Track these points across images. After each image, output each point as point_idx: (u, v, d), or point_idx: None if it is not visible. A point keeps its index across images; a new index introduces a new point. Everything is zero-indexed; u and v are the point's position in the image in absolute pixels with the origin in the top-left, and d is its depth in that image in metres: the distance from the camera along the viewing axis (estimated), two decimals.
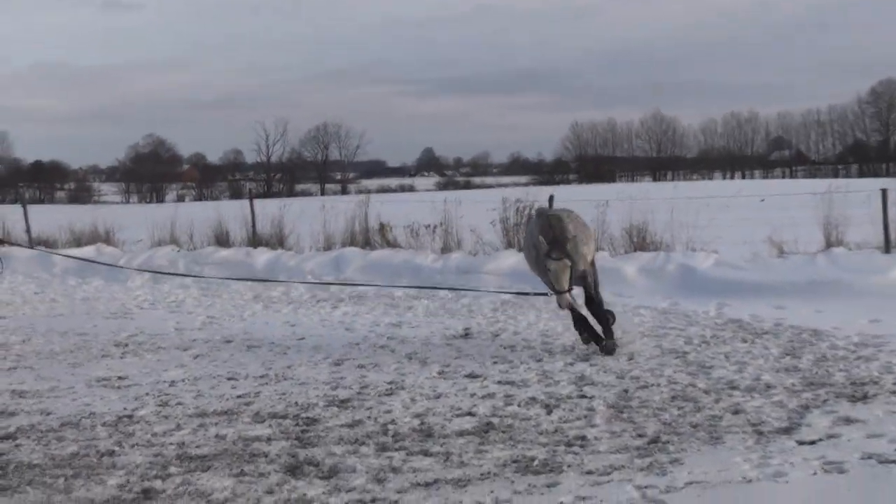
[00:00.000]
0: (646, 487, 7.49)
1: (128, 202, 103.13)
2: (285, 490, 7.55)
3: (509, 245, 22.26)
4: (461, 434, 9.11)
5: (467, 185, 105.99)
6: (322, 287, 20.01)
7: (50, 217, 31.52)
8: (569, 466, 8.05)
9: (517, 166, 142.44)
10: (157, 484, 7.71)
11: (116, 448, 8.78)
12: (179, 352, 13.69)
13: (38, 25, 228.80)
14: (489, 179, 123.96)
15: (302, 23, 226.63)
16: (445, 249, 22.50)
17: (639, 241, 21.43)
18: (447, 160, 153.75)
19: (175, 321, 16.56)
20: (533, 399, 10.40)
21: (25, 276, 23.68)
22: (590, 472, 7.88)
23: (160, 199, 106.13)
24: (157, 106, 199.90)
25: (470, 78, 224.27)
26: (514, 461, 8.22)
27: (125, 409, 10.30)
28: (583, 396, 10.52)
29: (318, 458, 8.36)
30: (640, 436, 8.94)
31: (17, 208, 30.23)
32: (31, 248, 24.02)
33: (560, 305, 12.54)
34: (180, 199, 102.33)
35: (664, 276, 18.60)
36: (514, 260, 20.18)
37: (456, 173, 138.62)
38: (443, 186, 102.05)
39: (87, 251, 25.70)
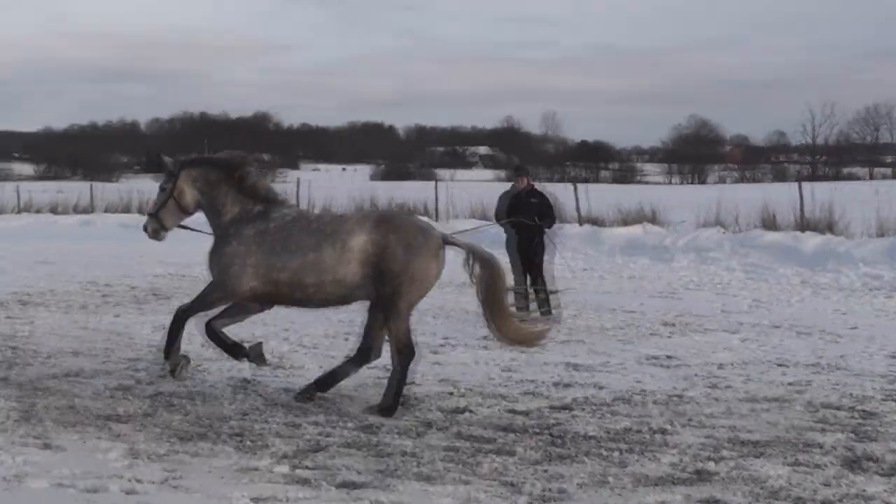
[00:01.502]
0: None
1: (669, 183, 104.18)
2: (843, 484, 7.25)
3: None
4: None
5: None
6: (876, 276, 19.18)
7: (598, 196, 32.53)
8: None
9: None
10: (710, 466, 7.67)
11: (668, 426, 8.84)
12: (727, 334, 13.61)
13: (591, 7, 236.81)
14: None
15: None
16: None
17: None
18: None
19: (721, 303, 16.51)
20: None
21: (575, 252, 24.54)
22: None
23: (702, 181, 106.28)
24: (702, 86, 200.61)
25: None
26: None
27: (675, 388, 10.37)
28: None
29: (878, 454, 7.97)
30: None
31: (567, 186, 31.42)
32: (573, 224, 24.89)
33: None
34: (721, 180, 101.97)
35: None
36: None
37: None
38: None
39: (634, 230, 26.24)
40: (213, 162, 10.16)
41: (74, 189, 51.50)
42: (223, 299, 9.76)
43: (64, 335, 13.28)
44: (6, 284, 18.58)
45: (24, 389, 10.04)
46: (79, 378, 10.63)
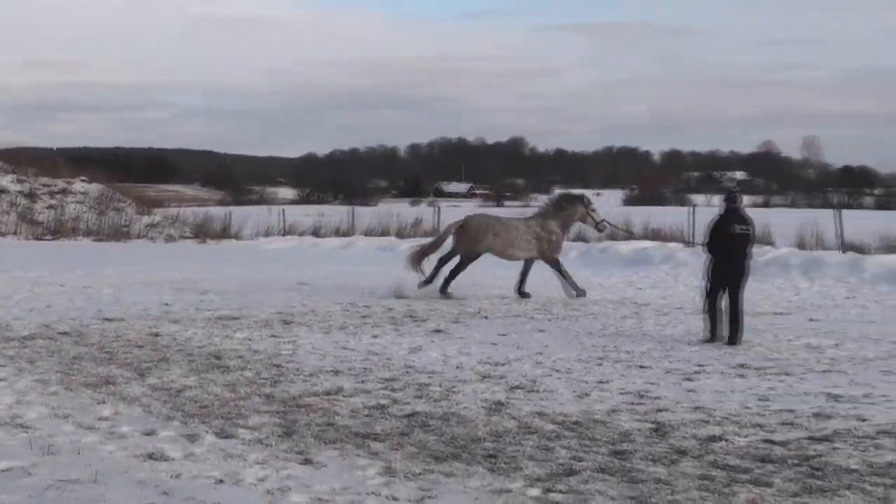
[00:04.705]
0: None
1: None
2: None
3: None
4: None
5: None
6: None
7: (861, 223, 31.42)
8: None
9: None
10: None
11: None
12: None
13: (854, 30, 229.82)
14: None
15: None
16: None
17: None
18: None
19: None
20: None
21: (835, 279, 23.80)
22: None
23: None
24: None
25: None
26: None
27: None
28: None
29: None
30: None
31: (827, 213, 30.50)
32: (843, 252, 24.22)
33: None
34: None
35: None
36: None
37: None
38: None
39: None
40: None
41: (336, 213, 53.27)
42: None
43: (325, 354, 13.72)
44: (271, 304, 19.35)
45: (287, 406, 10.43)
46: (338, 396, 10.97)
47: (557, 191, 23.57)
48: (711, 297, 15.22)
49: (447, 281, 21.14)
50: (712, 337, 15.03)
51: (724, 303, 15.11)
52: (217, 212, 52.93)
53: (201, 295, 20.81)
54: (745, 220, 15.23)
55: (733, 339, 14.83)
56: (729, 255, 15.15)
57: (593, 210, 22.13)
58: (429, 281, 21.08)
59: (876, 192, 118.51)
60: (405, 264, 21.51)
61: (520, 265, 21.58)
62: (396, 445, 8.87)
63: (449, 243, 21.87)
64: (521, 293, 21.08)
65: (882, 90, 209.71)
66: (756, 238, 15.60)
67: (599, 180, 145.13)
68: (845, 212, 32.83)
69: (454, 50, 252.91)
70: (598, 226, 22.29)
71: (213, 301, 19.74)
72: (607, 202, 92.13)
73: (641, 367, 13.02)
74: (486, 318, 17.84)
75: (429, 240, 22.92)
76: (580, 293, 21.12)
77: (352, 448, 8.75)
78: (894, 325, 16.83)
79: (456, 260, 21.50)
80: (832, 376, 12.43)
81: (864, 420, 10.03)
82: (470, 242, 21.41)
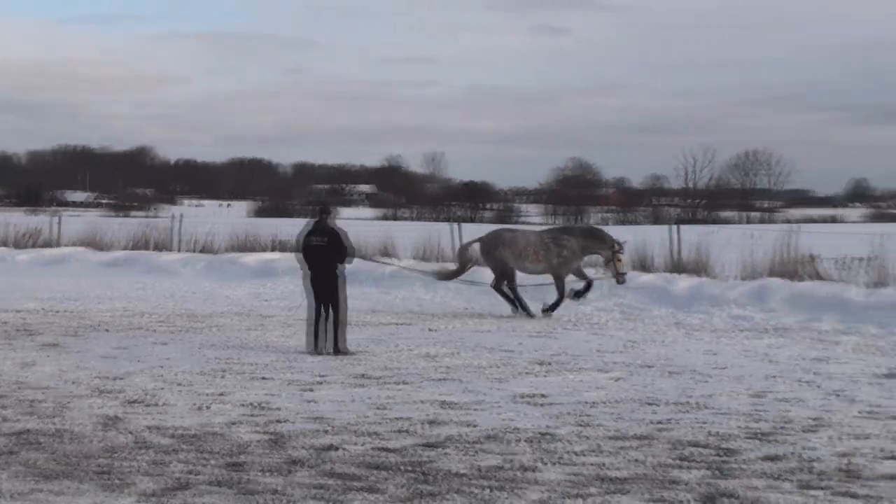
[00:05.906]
0: None
1: (552, 224, 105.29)
2: None
3: None
4: (891, 478, 8.62)
5: None
6: (745, 317, 19.69)
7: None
8: None
9: None
10: (577, 503, 7.78)
11: (536, 464, 8.93)
12: (600, 373, 13.80)
13: (473, 50, 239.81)
14: None
15: (742, 47, 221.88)
16: (879, 284, 21.44)
17: None
18: (878, 191, 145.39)
19: (596, 343, 16.73)
20: None
21: (455, 292, 24.64)
22: None
23: (582, 222, 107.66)
24: (582, 129, 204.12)
25: None
26: None
27: (545, 426, 10.49)
28: None
29: (737, 491, 8.14)
30: None
31: (448, 226, 31.60)
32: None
33: None
34: (603, 221, 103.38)
35: None
36: None
37: (891, 205, 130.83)
38: (874, 219, 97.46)
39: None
40: None
41: None
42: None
43: None
44: None
45: None
46: None
47: (599, 226, 23.48)
48: (316, 309, 15.53)
49: (519, 302, 21.16)
50: (315, 349, 15.33)
51: (331, 313, 15.47)
52: None
53: None
54: (326, 233, 15.66)
55: (338, 348, 15.22)
56: (314, 265, 15.68)
57: (619, 260, 21.42)
58: (524, 308, 20.98)
59: (495, 206, 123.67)
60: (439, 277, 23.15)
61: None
62: (3, 465, 8.52)
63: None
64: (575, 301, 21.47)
65: (498, 109, 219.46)
66: (349, 248, 15.92)
67: (229, 191, 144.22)
68: (465, 225, 34.05)
69: (71, 54, 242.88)
70: (618, 277, 21.51)
71: None
72: (236, 213, 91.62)
73: (263, 378, 13.06)
74: (106, 330, 17.38)
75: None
76: (584, 297, 21.53)
77: None
78: (507, 335, 17.65)
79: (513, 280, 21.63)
80: (447, 384, 12.91)
81: (473, 426, 10.47)
82: (486, 257, 21.92)
